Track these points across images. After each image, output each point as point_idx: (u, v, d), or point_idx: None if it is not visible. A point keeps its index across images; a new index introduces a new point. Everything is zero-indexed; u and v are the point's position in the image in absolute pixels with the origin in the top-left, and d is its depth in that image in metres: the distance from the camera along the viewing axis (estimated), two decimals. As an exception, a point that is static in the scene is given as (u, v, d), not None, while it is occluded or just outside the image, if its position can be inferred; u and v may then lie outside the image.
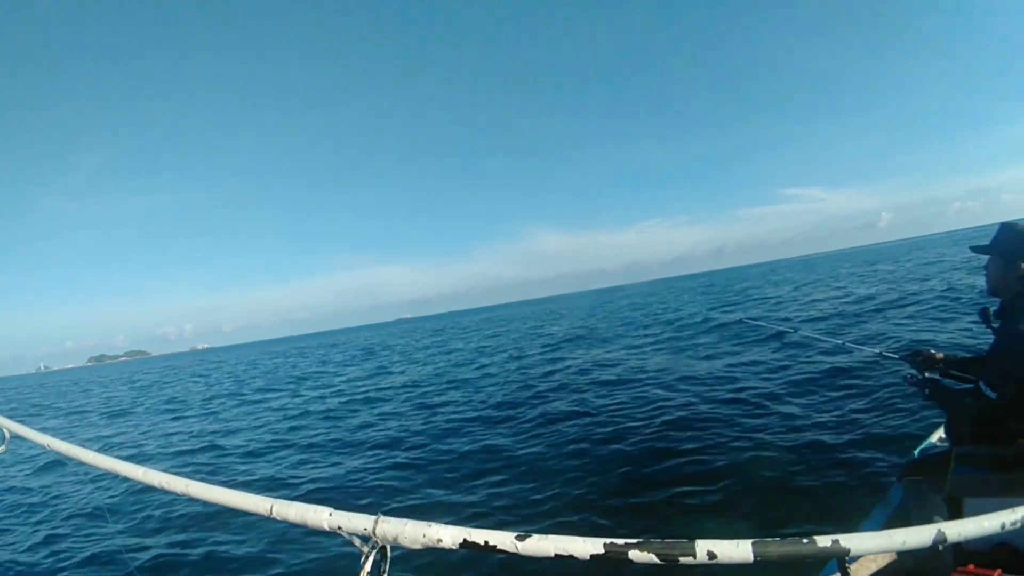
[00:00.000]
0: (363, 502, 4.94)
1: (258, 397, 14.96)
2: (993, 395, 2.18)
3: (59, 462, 7.39)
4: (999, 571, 1.97)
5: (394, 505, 4.65)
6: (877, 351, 4.06)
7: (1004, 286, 2.34)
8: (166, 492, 1.18)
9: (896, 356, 3.26)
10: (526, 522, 4.09)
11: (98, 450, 1.33)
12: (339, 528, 0.93)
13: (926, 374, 2.73)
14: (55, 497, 6.16)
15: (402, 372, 15.71)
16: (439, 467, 5.86)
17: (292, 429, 9.27)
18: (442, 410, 9.04)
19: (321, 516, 0.96)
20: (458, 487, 5.03)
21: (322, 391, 14.03)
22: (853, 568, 1.92)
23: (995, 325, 2.39)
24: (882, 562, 2.37)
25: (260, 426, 10.03)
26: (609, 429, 6.26)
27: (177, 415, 13.45)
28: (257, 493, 1.05)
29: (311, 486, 5.54)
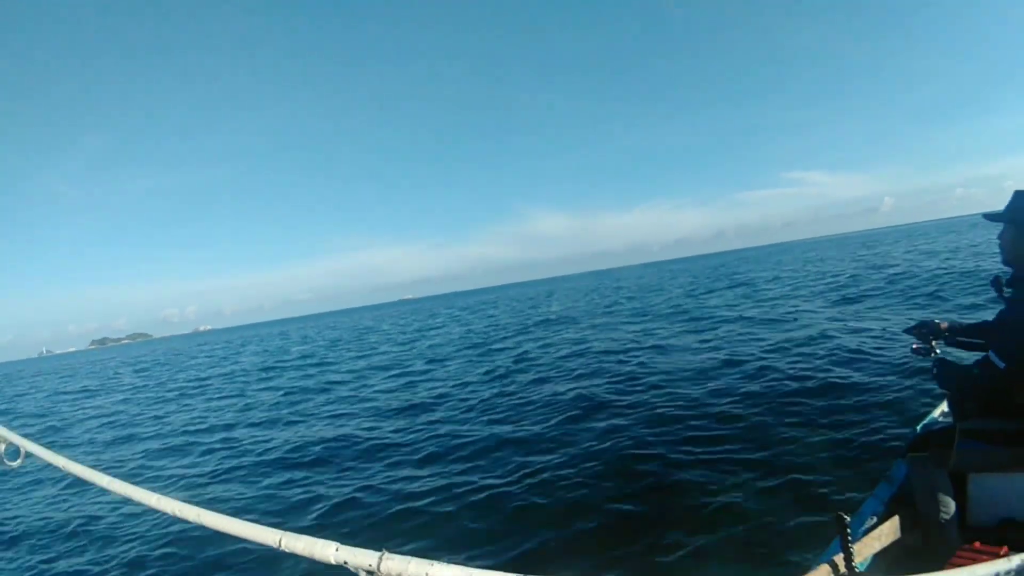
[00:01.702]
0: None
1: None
2: (1002, 365, 2.13)
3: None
4: (1005, 548, 1.96)
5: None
6: (881, 327, 4.08)
7: (1018, 254, 2.28)
8: (178, 520, 1.22)
9: (900, 331, 3.19)
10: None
11: (114, 475, 1.37)
12: (345, 563, 0.97)
13: (933, 344, 2.69)
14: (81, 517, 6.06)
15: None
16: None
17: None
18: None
19: (328, 551, 1.00)
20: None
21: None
22: (857, 546, 1.95)
23: (1007, 294, 2.34)
24: (886, 540, 2.36)
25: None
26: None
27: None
28: (268, 525, 1.10)
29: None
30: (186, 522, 1.20)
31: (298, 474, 6.21)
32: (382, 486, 5.39)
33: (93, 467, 1.45)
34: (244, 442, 8.16)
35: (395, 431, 7.44)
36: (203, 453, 7.97)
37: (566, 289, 57.89)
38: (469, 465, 5.70)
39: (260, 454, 7.28)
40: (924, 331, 2.73)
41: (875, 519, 2.47)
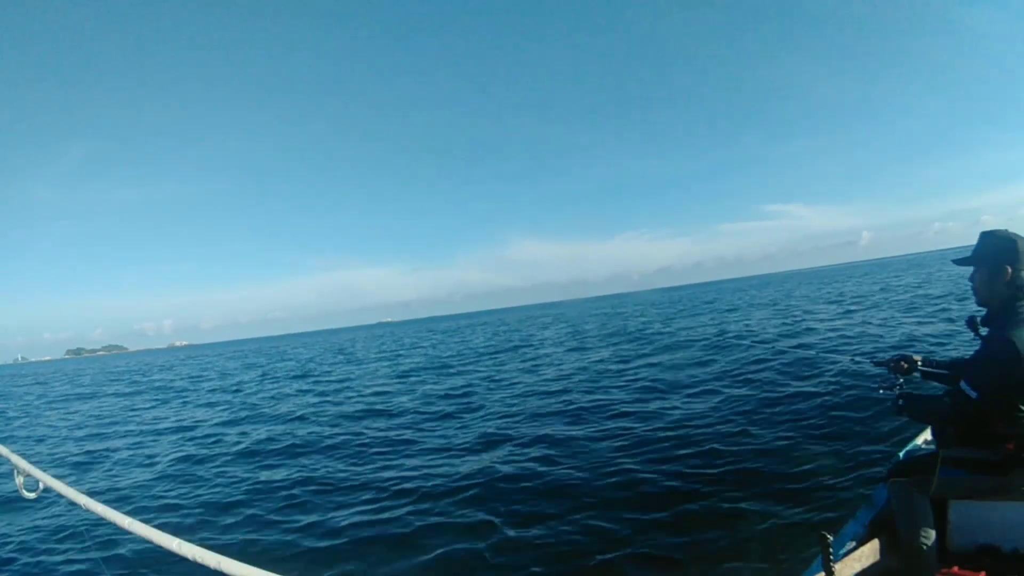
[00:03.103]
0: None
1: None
2: (974, 395, 2.17)
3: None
4: (983, 573, 2.01)
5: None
6: (848, 358, 4.14)
7: (992, 294, 2.34)
8: (198, 565, 1.23)
9: (867, 361, 3.21)
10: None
11: (133, 516, 1.40)
12: None
13: (900, 378, 2.72)
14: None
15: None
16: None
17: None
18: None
19: None
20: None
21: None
22: (838, 567, 1.99)
23: (983, 332, 2.40)
24: (867, 561, 2.39)
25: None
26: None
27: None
28: (289, 572, 1.13)
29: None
30: (206, 568, 1.21)
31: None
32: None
33: (112, 506, 1.47)
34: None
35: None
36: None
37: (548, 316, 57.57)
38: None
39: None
40: (898, 363, 2.78)
41: (855, 542, 2.51)
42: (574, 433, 7.08)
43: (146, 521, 1.38)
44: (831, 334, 12.64)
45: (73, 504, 1.56)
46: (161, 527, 1.37)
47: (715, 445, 5.79)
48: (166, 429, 11.06)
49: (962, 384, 2.24)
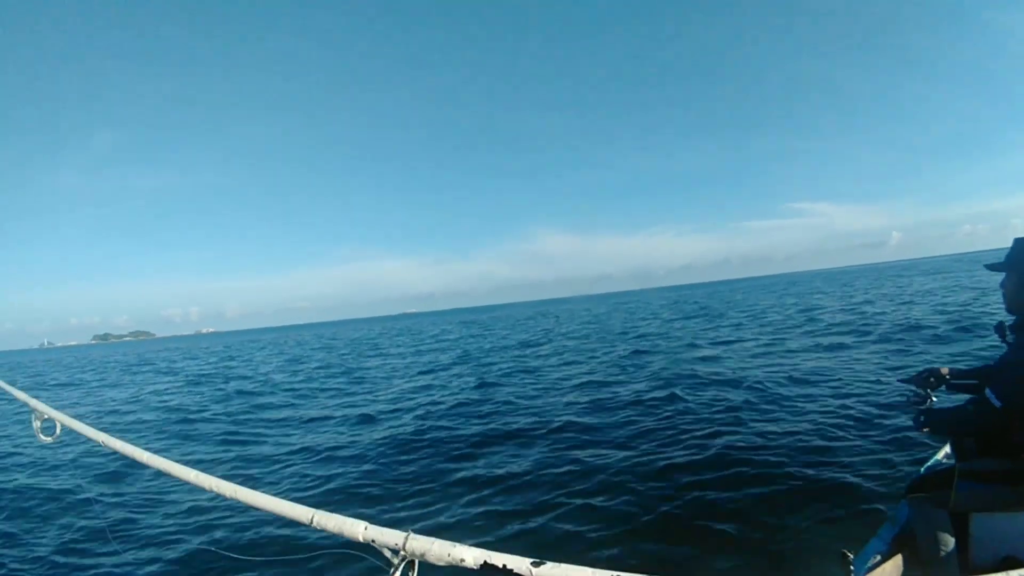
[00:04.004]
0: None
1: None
2: (999, 404, 2.14)
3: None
4: None
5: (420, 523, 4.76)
6: (873, 379, 4.06)
7: (1021, 301, 2.31)
8: (216, 495, 1.30)
9: (896, 380, 3.19)
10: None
11: (153, 451, 1.45)
12: (373, 541, 1.05)
13: (929, 392, 2.67)
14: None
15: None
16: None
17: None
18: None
19: (357, 529, 1.08)
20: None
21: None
22: None
23: (1010, 340, 2.37)
24: None
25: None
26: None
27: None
28: (299, 503, 1.18)
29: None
30: (223, 497, 1.27)
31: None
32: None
33: (131, 442, 1.51)
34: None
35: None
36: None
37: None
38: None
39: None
40: (926, 378, 2.72)
41: (879, 558, 2.49)
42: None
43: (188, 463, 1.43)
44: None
45: (92, 442, 1.59)
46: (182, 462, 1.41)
47: (729, 460, 5.66)
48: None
49: (987, 392, 2.21)
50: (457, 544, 1.00)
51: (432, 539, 1.01)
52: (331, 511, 1.14)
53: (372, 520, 1.09)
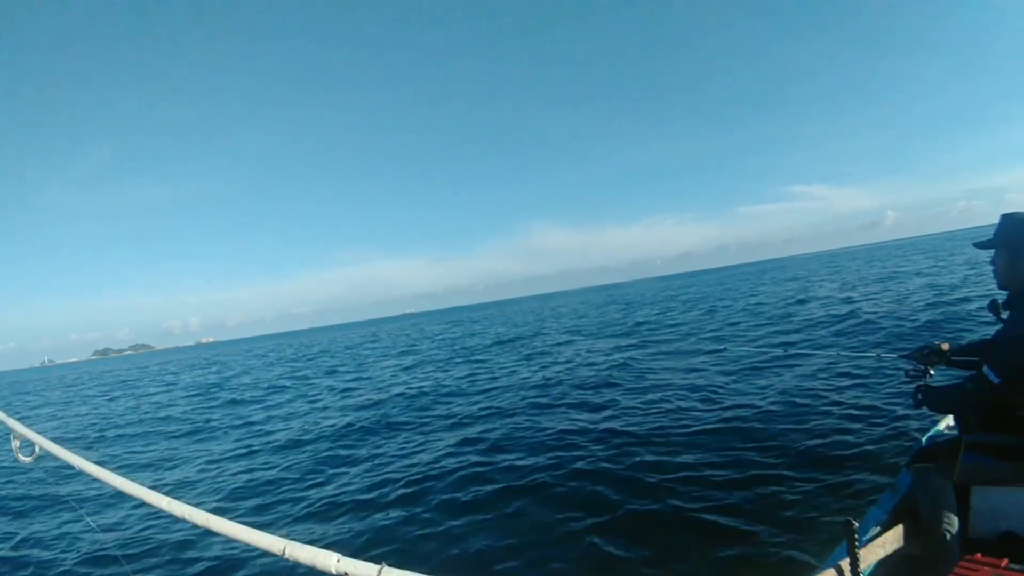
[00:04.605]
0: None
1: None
2: (997, 380, 2.15)
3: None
4: (1006, 560, 1.97)
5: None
6: (874, 354, 4.05)
7: (1013, 277, 2.32)
8: (187, 523, 1.27)
9: (895, 356, 3.18)
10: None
11: (124, 475, 1.42)
12: (346, 574, 1.02)
13: (930, 368, 2.70)
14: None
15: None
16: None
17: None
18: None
19: (329, 561, 1.04)
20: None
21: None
22: (862, 553, 1.97)
23: (1004, 316, 2.38)
24: (890, 548, 2.37)
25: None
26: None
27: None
28: (272, 533, 1.14)
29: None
30: (195, 526, 1.25)
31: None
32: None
33: (107, 467, 1.48)
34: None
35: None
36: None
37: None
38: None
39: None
40: (926, 353, 2.75)
41: (879, 528, 2.50)
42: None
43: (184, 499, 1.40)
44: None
45: (69, 467, 1.57)
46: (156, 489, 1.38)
47: (738, 435, 5.86)
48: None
49: (984, 369, 2.21)
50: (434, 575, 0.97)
51: (406, 572, 0.98)
52: (304, 540, 1.10)
53: (344, 551, 1.05)
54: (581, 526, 4.30)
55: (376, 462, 6.72)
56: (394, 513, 5.02)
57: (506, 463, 5.97)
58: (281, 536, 1.12)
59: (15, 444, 1.71)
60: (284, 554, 1.10)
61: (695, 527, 4.03)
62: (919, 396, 2.50)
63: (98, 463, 1.52)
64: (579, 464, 5.59)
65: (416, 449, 7.06)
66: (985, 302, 2.56)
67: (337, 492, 5.81)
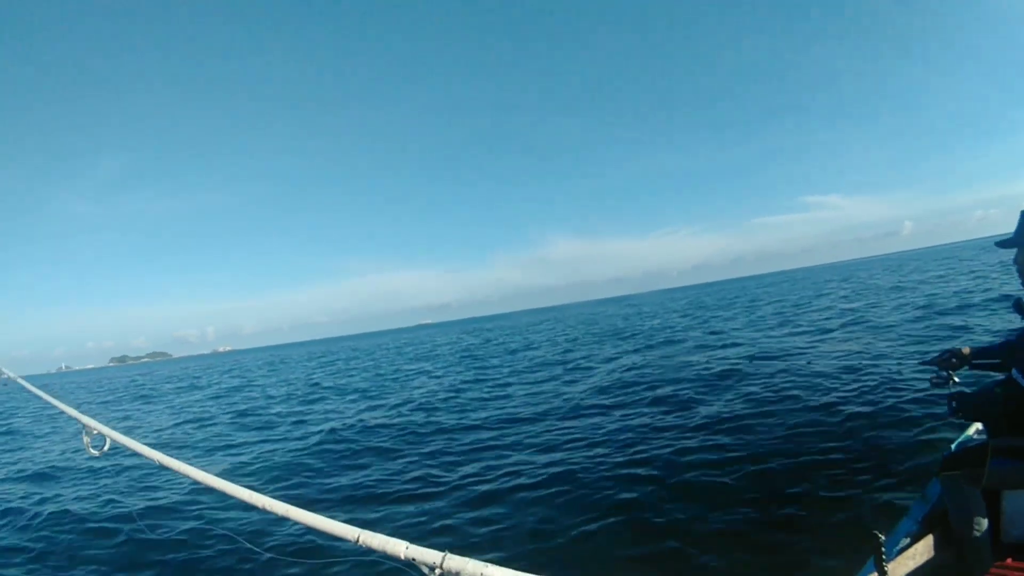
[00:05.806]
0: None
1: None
2: None
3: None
4: None
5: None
6: (896, 363, 3.98)
7: None
8: (267, 513, 1.40)
9: (917, 362, 3.16)
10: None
11: (203, 468, 1.53)
12: (413, 560, 1.14)
13: (953, 374, 2.63)
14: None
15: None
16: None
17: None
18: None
19: (399, 548, 1.17)
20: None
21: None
22: (891, 566, 1.97)
23: None
24: (921, 559, 2.35)
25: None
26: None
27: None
28: (345, 522, 1.28)
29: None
30: (273, 515, 1.37)
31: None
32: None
33: (179, 458, 1.60)
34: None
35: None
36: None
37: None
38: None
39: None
40: (947, 359, 2.69)
41: (909, 538, 2.47)
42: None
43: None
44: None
45: (143, 457, 1.67)
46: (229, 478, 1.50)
47: (760, 447, 5.85)
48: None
49: (1013, 372, 2.20)
50: (490, 564, 1.07)
51: (467, 559, 1.08)
52: (374, 530, 1.23)
53: (411, 539, 1.18)
54: (617, 522, 4.52)
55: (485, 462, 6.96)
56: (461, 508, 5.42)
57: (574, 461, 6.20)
58: (354, 526, 1.25)
59: (86, 440, 1.82)
60: (358, 541, 1.22)
61: (716, 537, 4.04)
62: (953, 404, 2.45)
63: (171, 455, 1.62)
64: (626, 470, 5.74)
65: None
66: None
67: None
